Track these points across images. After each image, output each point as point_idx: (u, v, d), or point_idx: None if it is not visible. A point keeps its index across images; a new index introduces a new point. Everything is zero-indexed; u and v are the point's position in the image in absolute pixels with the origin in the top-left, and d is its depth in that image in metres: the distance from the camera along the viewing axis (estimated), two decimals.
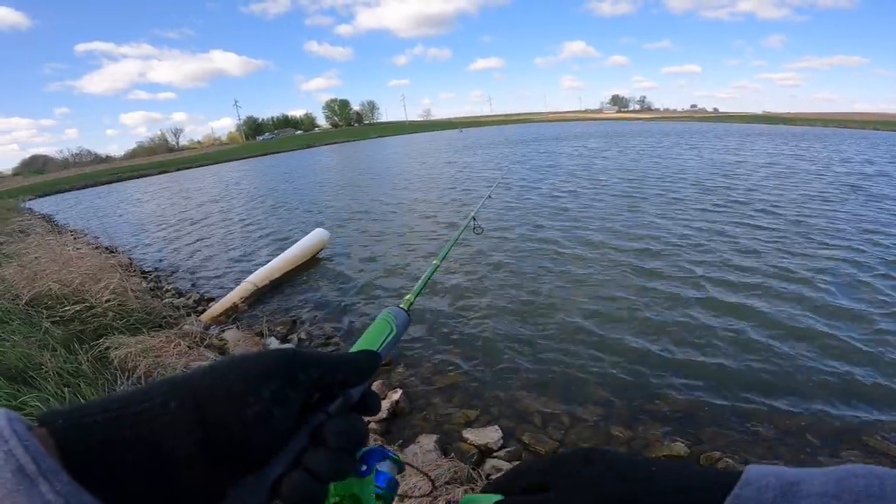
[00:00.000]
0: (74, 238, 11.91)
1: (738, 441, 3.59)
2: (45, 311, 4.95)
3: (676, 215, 10.24)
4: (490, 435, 3.75)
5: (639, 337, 5.16)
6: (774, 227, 8.95)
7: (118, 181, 47.60)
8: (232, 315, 6.49)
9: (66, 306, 5.06)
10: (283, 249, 8.58)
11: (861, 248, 7.58)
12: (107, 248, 11.29)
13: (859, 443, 3.54)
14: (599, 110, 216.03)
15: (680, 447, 3.51)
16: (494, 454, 3.59)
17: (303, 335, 5.81)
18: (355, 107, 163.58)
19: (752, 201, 11.28)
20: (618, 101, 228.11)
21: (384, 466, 0.53)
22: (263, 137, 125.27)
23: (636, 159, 21.90)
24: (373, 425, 3.95)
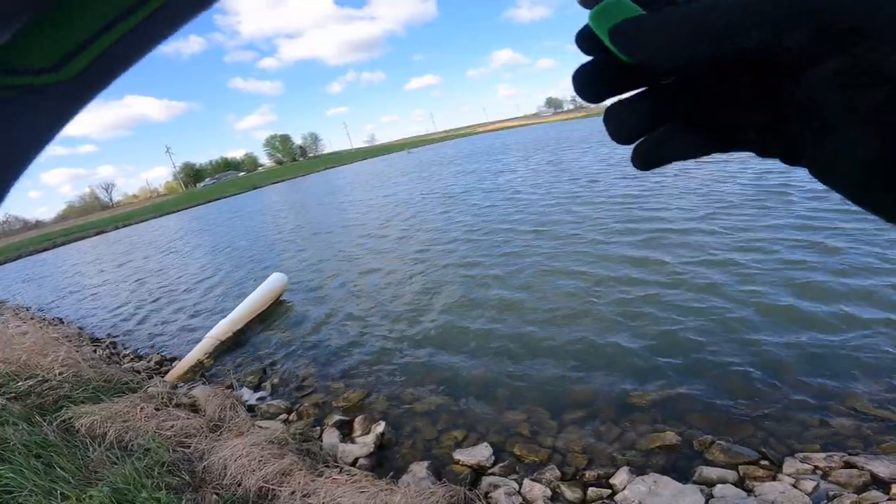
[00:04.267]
0: (15, 314, 11.40)
1: (727, 422, 3.75)
2: None
3: (622, 210, 10.48)
4: (481, 453, 3.82)
5: (608, 335, 5.34)
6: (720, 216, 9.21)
7: (53, 247, 45.56)
8: (198, 371, 6.43)
9: (18, 382, 4.91)
10: (241, 299, 8.42)
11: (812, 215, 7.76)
12: (52, 321, 10.91)
13: (845, 407, 3.71)
14: (537, 114, 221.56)
15: (671, 436, 3.61)
16: (489, 472, 3.67)
17: (275, 381, 5.73)
18: (297, 140, 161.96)
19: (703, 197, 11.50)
20: (553, 103, 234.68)
21: None
22: (204, 184, 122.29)
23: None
24: (361, 460, 3.92)
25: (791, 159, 0.29)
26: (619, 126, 0.32)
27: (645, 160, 0.33)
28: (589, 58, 0.33)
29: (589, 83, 0.32)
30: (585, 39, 0.32)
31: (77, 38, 0.22)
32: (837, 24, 0.22)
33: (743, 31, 0.24)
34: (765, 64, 0.25)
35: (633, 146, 0.33)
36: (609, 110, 0.32)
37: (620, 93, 0.32)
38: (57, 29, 0.21)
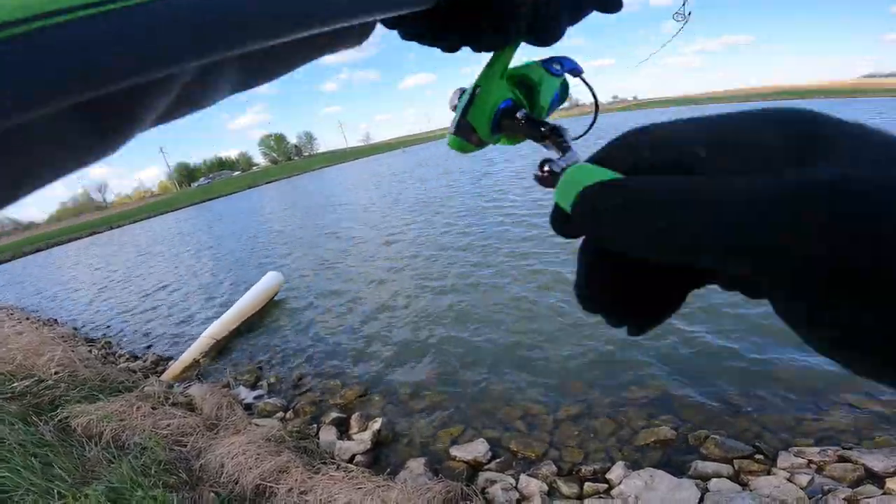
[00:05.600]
0: (9, 315, 11.38)
1: (721, 417, 3.78)
2: None
3: None
4: (477, 448, 3.85)
5: (603, 331, 5.31)
6: None
7: (47, 248, 45.32)
8: (195, 371, 6.43)
9: (13, 382, 4.93)
10: (237, 298, 8.39)
11: None
12: (46, 321, 10.90)
13: (838, 401, 3.75)
14: None
15: (666, 430, 3.63)
16: (485, 467, 3.68)
17: (272, 380, 5.73)
18: (292, 140, 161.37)
19: None
20: None
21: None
22: (199, 183, 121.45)
23: None
24: (358, 457, 3.93)
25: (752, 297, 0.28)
26: (615, 323, 0.31)
27: (641, 332, 0.32)
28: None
29: (585, 296, 0.30)
30: (561, 219, 0.30)
31: None
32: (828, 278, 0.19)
33: (706, 253, 0.21)
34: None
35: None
36: (605, 314, 0.31)
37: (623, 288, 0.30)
38: None
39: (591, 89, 0.54)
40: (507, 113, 0.46)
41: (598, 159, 0.28)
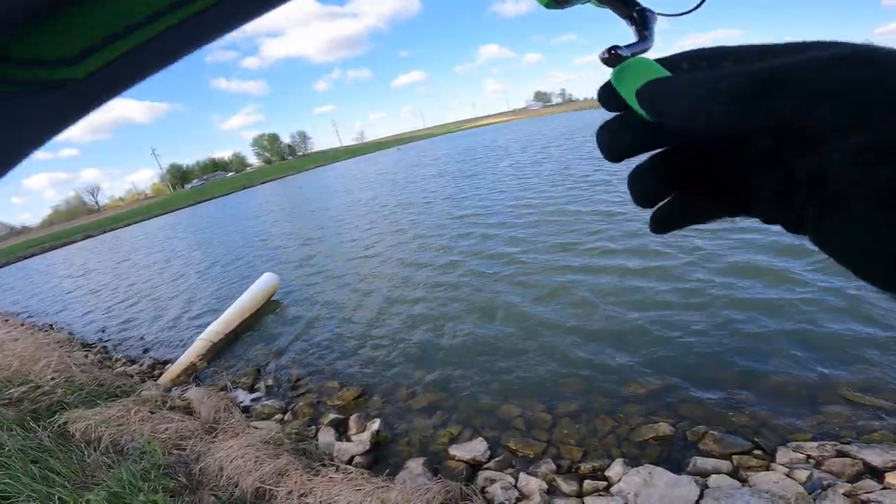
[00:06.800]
0: (4, 321, 11.32)
1: (719, 412, 3.79)
2: None
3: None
4: (476, 448, 3.86)
5: (599, 329, 5.36)
6: None
7: (41, 253, 45.09)
8: (192, 374, 6.43)
9: (10, 388, 4.91)
10: (233, 300, 8.37)
11: None
12: (42, 327, 10.87)
13: (835, 396, 3.75)
14: (525, 108, 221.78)
15: (664, 427, 3.65)
16: (485, 466, 3.69)
17: (269, 382, 5.73)
18: (285, 139, 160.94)
19: None
20: (541, 97, 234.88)
21: None
22: (192, 185, 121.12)
23: None
24: (357, 458, 3.94)
25: (794, 229, 0.29)
26: (642, 193, 0.34)
27: (662, 226, 0.36)
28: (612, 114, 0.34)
29: (614, 142, 0.34)
30: (610, 96, 0.34)
31: (96, 34, 0.22)
32: (870, 100, 0.21)
33: (773, 99, 0.23)
34: (786, 132, 0.24)
35: (650, 210, 0.36)
36: (632, 177, 0.34)
37: (642, 151, 0.34)
38: (76, 22, 0.21)
39: None
40: None
41: (662, 60, 0.33)
